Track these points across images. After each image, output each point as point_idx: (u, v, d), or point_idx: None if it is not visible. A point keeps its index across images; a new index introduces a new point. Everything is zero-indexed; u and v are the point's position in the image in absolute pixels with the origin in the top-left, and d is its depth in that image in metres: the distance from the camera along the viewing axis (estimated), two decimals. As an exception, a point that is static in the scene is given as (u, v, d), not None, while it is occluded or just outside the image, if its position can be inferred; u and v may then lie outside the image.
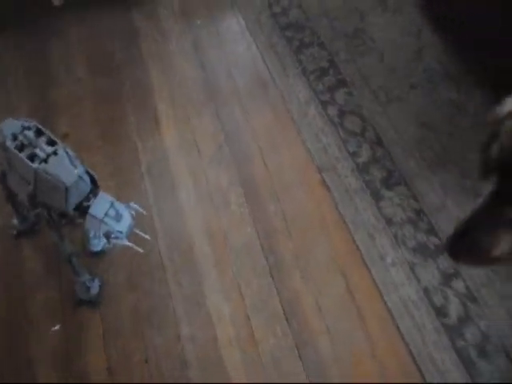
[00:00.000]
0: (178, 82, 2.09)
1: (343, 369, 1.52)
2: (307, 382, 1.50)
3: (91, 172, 1.38)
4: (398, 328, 1.56)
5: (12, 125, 1.35)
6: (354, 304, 1.62)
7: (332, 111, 1.98)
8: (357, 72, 2.08)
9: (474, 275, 1.63)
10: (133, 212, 1.44)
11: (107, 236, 1.39)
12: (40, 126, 1.36)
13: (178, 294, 1.65)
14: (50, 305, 1.64)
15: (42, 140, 1.34)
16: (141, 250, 1.43)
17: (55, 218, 1.40)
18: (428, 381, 1.48)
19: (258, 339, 1.57)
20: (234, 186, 1.85)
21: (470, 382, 1.47)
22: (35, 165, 1.29)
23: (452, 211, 1.73)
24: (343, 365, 1.52)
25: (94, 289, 1.61)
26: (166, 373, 1.53)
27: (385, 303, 1.60)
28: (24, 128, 1.34)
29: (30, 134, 1.33)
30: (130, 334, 1.59)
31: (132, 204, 1.44)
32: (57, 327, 1.61)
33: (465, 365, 1.50)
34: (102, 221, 1.34)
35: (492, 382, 1.48)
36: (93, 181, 1.39)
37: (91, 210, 1.34)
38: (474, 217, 0.95)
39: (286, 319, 1.60)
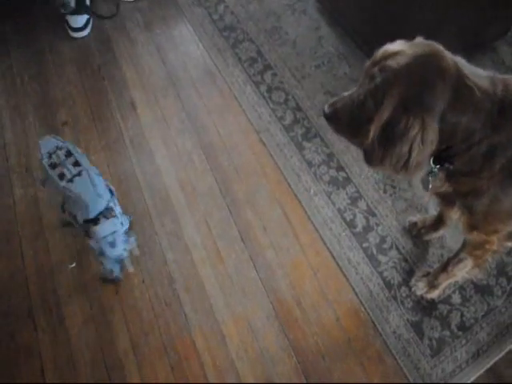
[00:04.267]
0: (146, 75, 1.89)
1: (285, 272, 1.44)
2: (262, 285, 1.42)
3: (110, 186, 1.24)
4: (322, 239, 1.49)
5: (49, 143, 1.19)
6: (290, 225, 1.53)
7: (262, 88, 1.83)
8: (278, 58, 1.92)
9: (371, 196, 1.56)
10: (129, 246, 1.29)
11: (100, 253, 1.26)
12: (70, 148, 1.19)
13: (162, 231, 1.51)
14: (68, 249, 1.49)
15: (70, 161, 1.17)
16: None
17: (81, 222, 1.22)
18: (340, 264, 1.42)
19: (223, 257, 1.47)
20: (196, 149, 1.69)
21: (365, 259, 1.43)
22: (63, 183, 1.14)
23: (353, 152, 1.64)
24: (285, 269, 1.44)
25: (116, 271, 1.38)
26: (158, 288, 1.41)
27: (312, 223, 1.52)
28: (57, 148, 1.18)
29: (62, 154, 1.17)
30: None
31: (132, 239, 1.29)
32: (73, 265, 1.46)
33: (369, 258, 1.45)
34: (99, 240, 1.21)
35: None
36: (111, 192, 1.24)
37: (98, 227, 1.19)
38: (343, 97, 0.95)
39: (242, 240, 1.50)
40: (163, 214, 1.55)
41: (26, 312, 1.39)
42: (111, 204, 1.22)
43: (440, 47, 0.88)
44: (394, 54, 0.86)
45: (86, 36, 1.99)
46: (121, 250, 1.25)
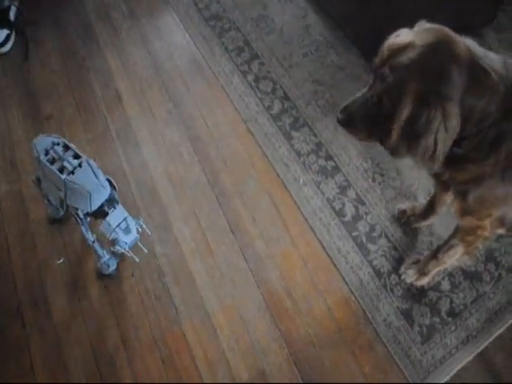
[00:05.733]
0: (131, 65, 1.83)
1: (276, 263, 1.41)
2: (252, 276, 1.39)
3: (110, 179, 1.20)
4: (311, 229, 1.46)
5: (44, 141, 1.16)
6: (279, 215, 1.50)
7: (250, 78, 1.79)
8: (265, 47, 1.87)
9: (360, 185, 1.53)
10: (139, 228, 1.24)
11: (114, 242, 1.22)
12: (67, 142, 1.16)
13: (150, 223, 1.47)
14: (55, 245, 1.45)
15: (69, 154, 1.15)
16: (137, 260, 1.26)
17: (81, 216, 1.21)
18: (328, 251, 1.40)
19: (213, 249, 1.44)
20: (183, 140, 1.65)
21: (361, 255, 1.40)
22: (64, 176, 1.12)
23: (341, 142, 1.61)
24: (275, 260, 1.42)
25: (113, 266, 1.36)
26: (148, 281, 1.38)
27: (301, 213, 1.49)
28: (54, 144, 1.16)
29: (59, 149, 1.15)
30: (117, 258, 1.42)
31: (141, 221, 1.24)
32: (61, 260, 1.42)
33: (358, 247, 1.43)
34: (114, 229, 1.18)
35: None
36: (111, 185, 1.20)
37: (108, 218, 1.17)
38: (353, 101, 0.93)
39: (232, 231, 1.47)
40: (151, 207, 1.51)
41: (15, 308, 1.35)
42: (111, 195, 1.20)
43: (449, 31, 0.84)
44: (404, 48, 0.82)
45: (6, 52, 1.85)
46: (135, 233, 1.23)
